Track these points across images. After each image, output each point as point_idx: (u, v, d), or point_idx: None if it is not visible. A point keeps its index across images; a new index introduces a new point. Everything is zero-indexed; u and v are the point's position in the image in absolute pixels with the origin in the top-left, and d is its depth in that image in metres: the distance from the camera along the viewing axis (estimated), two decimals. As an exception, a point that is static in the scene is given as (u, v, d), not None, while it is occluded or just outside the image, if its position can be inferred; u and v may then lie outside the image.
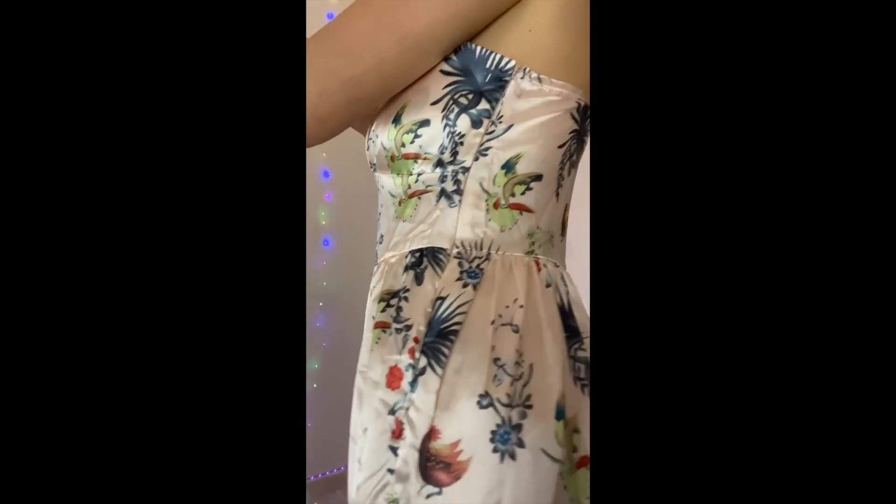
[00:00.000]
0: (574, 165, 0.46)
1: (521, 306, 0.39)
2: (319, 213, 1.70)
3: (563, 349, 0.39)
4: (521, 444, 0.36)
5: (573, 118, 0.41)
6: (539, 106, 0.40)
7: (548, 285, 0.41)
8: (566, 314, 0.41)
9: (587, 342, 0.42)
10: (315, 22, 1.82)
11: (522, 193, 0.41)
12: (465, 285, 0.39)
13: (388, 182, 0.45)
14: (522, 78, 0.39)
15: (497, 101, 0.39)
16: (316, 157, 1.66)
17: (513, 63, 0.39)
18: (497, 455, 0.36)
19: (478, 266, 0.40)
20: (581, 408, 0.39)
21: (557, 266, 0.44)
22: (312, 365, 1.69)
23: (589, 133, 0.45)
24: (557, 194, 0.44)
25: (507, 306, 0.39)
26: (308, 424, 1.65)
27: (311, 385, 1.68)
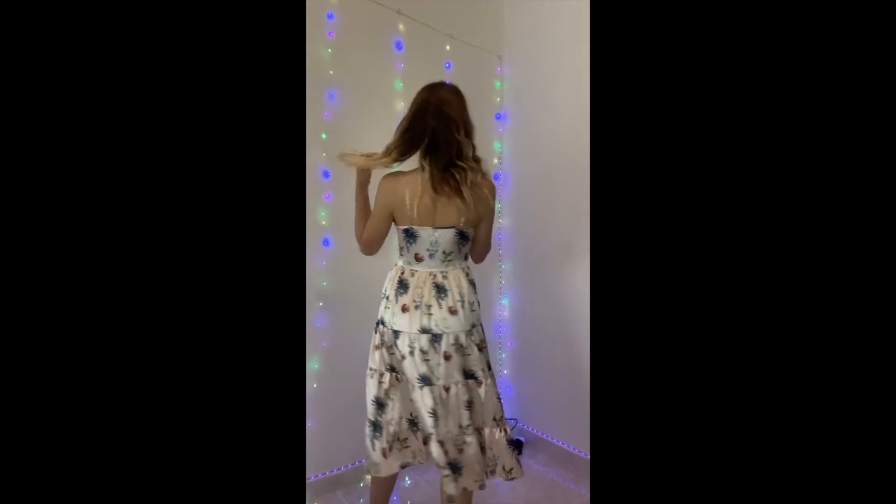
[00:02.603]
0: (410, 243, 1.30)
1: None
2: (319, 213, 1.69)
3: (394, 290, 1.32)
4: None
5: (402, 232, 1.30)
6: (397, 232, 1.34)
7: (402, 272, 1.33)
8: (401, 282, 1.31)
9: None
10: (315, 22, 1.80)
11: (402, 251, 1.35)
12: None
13: None
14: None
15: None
16: (316, 158, 1.66)
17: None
18: None
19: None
20: None
21: (411, 268, 1.32)
22: (312, 365, 1.69)
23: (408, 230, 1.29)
24: (409, 249, 1.31)
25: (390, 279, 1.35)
26: (308, 424, 1.65)
27: (311, 385, 1.68)
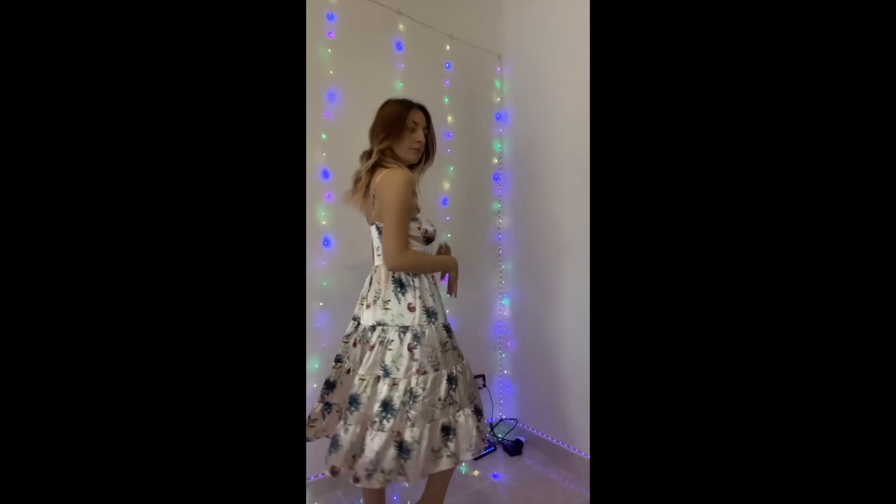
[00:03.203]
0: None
1: None
2: (319, 213, 1.69)
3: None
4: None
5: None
6: None
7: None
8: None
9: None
10: (315, 22, 1.79)
11: None
12: None
13: None
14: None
15: None
16: (316, 157, 1.66)
17: None
18: None
19: None
20: None
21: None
22: (312, 365, 1.69)
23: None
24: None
25: None
26: (308, 424, 1.64)
27: (311, 385, 1.68)
